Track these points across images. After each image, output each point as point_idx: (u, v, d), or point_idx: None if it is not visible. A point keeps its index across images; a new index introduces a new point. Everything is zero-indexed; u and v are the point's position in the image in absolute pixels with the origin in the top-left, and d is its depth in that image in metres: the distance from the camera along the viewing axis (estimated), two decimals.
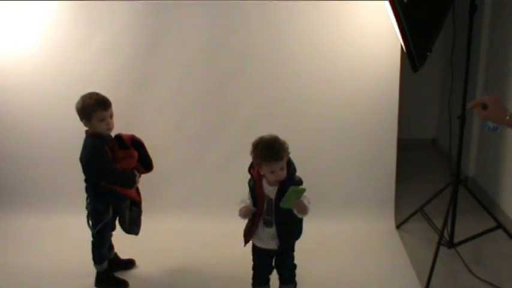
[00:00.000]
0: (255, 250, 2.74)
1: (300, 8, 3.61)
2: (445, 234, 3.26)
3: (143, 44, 3.75)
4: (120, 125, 3.87)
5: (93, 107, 2.85)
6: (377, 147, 3.83)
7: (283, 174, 2.51)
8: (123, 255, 3.33)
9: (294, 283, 2.86)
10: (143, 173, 3.11)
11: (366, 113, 3.79)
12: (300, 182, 2.59)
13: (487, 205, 3.49)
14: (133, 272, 3.27)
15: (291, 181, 2.53)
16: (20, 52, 3.81)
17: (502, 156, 3.92)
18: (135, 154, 3.02)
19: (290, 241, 2.72)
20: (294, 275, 2.84)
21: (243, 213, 2.56)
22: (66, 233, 3.73)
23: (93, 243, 3.09)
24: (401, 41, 3.07)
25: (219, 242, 3.57)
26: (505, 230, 3.35)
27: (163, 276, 3.24)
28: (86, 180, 2.99)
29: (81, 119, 2.90)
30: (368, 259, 3.43)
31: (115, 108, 3.84)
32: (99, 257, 3.12)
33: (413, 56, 3.04)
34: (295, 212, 2.51)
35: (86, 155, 2.90)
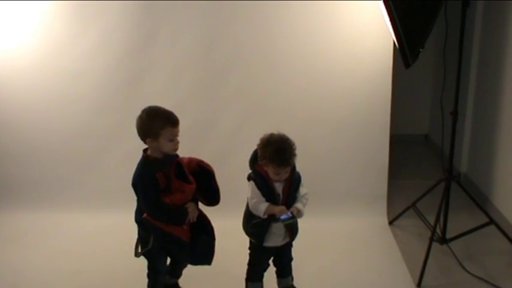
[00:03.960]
0: (258, 249, 2.72)
1: (293, 4, 3.60)
2: (438, 230, 3.27)
3: (135, 40, 3.74)
4: (115, 122, 3.88)
5: (163, 124, 2.48)
6: (370, 143, 3.84)
7: (286, 175, 2.54)
8: (113, 250, 3.30)
9: (292, 275, 2.88)
10: (206, 205, 2.70)
11: (359, 110, 3.79)
12: (299, 177, 2.62)
13: (479, 201, 3.51)
14: (128, 268, 3.26)
15: (295, 179, 2.59)
16: (12, 50, 3.80)
17: (494, 152, 3.93)
18: (190, 189, 2.56)
19: (296, 234, 2.72)
20: (291, 268, 2.86)
21: (269, 211, 2.53)
22: (58, 229, 3.73)
23: (148, 276, 2.79)
24: (393, 37, 3.07)
25: None
26: (497, 226, 3.36)
27: None
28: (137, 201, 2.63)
29: (145, 138, 2.52)
30: (360, 255, 3.44)
31: (107, 104, 3.86)
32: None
33: (406, 52, 3.03)
34: None
35: (134, 180, 2.53)
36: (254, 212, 2.55)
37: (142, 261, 3.15)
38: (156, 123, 2.48)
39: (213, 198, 2.66)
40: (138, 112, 3.79)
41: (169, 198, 2.49)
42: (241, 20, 3.68)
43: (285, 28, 3.67)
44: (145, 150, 2.57)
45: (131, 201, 3.85)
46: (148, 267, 2.76)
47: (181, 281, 2.97)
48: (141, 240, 2.65)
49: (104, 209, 3.86)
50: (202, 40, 3.73)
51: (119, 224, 3.73)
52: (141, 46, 3.75)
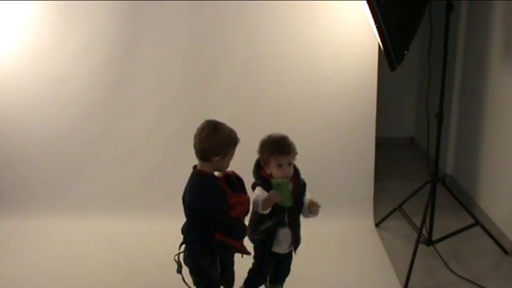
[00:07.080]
0: (266, 255, 2.66)
1: (278, 8, 3.61)
2: (424, 232, 3.28)
3: (120, 44, 3.72)
4: (101, 127, 3.85)
5: (234, 143, 2.37)
6: (355, 146, 3.84)
7: (290, 170, 2.53)
8: (99, 255, 3.27)
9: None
10: None
11: (344, 112, 3.80)
12: (304, 183, 2.65)
13: (465, 202, 3.52)
14: (114, 273, 3.23)
15: (300, 184, 2.61)
16: None
17: (479, 154, 3.95)
18: (248, 199, 2.44)
19: (299, 243, 2.71)
20: (285, 279, 2.88)
21: (266, 200, 2.42)
22: (43, 234, 3.69)
23: None
24: (378, 39, 3.08)
25: None
26: (483, 227, 3.38)
27: (141, 275, 3.21)
28: (190, 228, 2.43)
29: (215, 156, 2.32)
30: (347, 257, 3.44)
31: (93, 109, 3.83)
32: None
33: (391, 54, 3.05)
34: (308, 213, 2.60)
35: (203, 201, 2.32)
36: (256, 209, 2.47)
37: (129, 266, 3.13)
38: (228, 142, 2.36)
39: None
40: (124, 117, 3.83)
41: (233, 213, 2.36)
42: (227, 22, 3.67)
43: (271, 30, 3.67)
44: (195, 167, 2.40)
45: (116, 206, 3.86)
46: None
47: (172, 285, 2.92)
48: (201, 271, 2.43)
49: (89, 214, 3.84)
50: (188, 42, 3.72)
51: (104, 228, 3.73)
52: (126, 50, 3.73)
